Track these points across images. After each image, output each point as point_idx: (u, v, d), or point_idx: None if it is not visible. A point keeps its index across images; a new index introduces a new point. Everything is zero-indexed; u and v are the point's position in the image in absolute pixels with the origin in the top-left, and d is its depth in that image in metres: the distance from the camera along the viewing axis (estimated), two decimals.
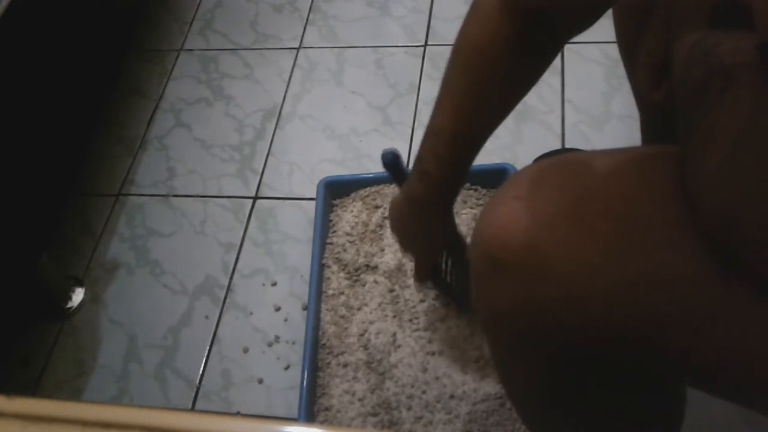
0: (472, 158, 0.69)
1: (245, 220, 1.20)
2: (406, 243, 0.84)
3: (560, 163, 0.56)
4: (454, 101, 0.65)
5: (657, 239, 0.48)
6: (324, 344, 0.96)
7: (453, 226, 0.84)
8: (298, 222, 1.18)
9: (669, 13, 0.51)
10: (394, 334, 0.96)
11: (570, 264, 0.49)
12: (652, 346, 0.50)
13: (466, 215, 1.04)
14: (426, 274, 0.88)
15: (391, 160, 0.83)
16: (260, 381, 1.02)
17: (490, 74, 0.63)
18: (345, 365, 0.94)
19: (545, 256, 0.49)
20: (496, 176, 1.03)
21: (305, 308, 1.05)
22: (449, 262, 0.91)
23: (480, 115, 0.66)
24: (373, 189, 1.10)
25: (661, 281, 0.47)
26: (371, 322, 0.97)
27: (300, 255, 1.13)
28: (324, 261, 1.04)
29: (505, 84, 0.64)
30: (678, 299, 0.47)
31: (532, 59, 0.63)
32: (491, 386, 0.90)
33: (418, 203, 0.73)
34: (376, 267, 1.02)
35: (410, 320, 0.96)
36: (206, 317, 1.10)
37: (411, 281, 0.99)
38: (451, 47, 0.66)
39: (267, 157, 1.27)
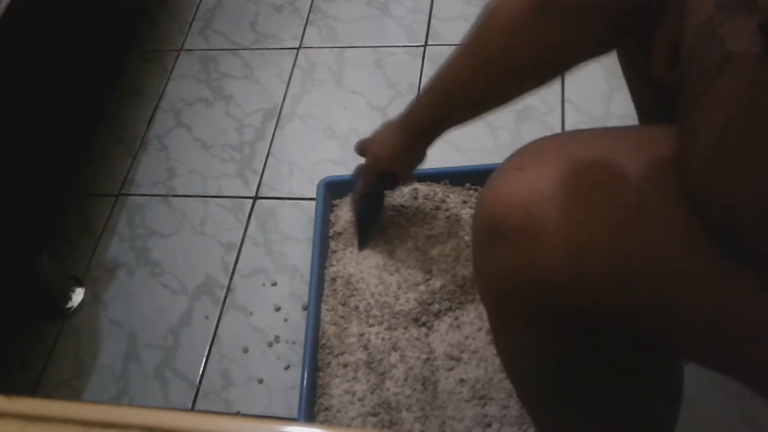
0: (457, 107, 0.76)
1: (245, 220, 1.20)
2: (373, 143, 0.93)
3: (563, 137, 0.58)
4: (458, 53, 0.70)
5: (651, 214, 0.49)
6: (324, 344, 0.96)
7: (416, 157, 0.91)
8: (298, 222, 1.18)
9: None
10: (394, 334, 0.96)
11: (567, 234, 0.50)
12: (645, 318, 0.51)
13: (466, 215, 1.04)
14: (370, 183, 0.96)
15: None
16: (260, 381, 1.02)
17: (503, 43, 0.64)
18: (345, 365, 0.94)
19: (543, 226, 0.50)
20: None
21: (305, 308, 1.05)
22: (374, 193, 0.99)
23: (475, 80, 0.69)
24: None
25: (653, 255, 0.48)
26: (371, 323, 0.97)
27: (300, 255, 1.13)
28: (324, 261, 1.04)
29: (514, 62, 0.65)
30: (669, 272, 0.48)
31: (548, 54, 0.64)
32: (494, 388, 0.90)
33: (404, 118, 0.84)
34: None
35: (410, 320, 0.96)
36: (206, 317, 1.10)
37: (412, 281, 0.99)
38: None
39: (267, 157, 1.27)
